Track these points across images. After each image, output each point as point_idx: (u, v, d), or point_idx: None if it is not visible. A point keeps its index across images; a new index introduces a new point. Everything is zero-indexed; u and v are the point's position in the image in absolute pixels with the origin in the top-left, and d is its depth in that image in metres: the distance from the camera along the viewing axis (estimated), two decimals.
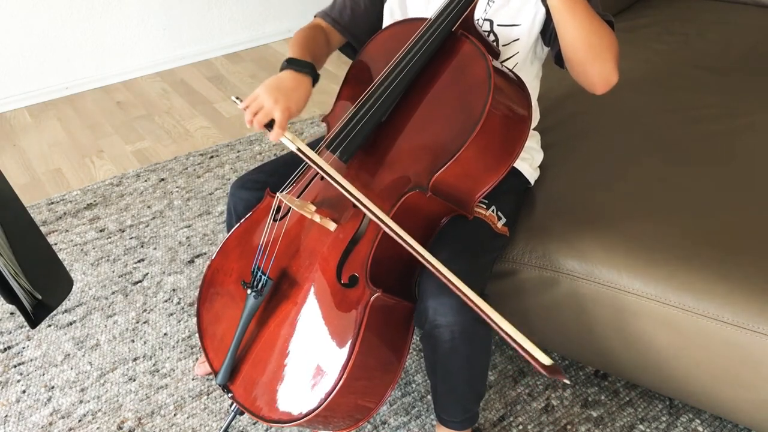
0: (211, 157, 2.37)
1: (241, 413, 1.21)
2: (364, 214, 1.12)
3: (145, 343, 1.66)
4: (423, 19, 1.19)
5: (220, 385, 1.18)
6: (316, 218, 1.14)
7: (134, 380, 1.57)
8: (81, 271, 1.88)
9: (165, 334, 1.68)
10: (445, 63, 1.16)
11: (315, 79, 1.21)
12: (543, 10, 1.21)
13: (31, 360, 1.63)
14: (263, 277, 1.15)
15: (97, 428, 1.46)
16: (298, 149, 1.11)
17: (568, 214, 1.35)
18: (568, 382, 0.90)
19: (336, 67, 2.04)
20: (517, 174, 1.33)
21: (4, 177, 0.99)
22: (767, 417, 1.22)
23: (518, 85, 1.16)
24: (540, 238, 1.32)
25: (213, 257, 1.28)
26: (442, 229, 1.17)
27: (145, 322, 1.72)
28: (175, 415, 1.48)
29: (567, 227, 1.32)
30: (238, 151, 2.39)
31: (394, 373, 1.18)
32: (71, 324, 1.72)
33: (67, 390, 1.55)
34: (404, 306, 1.15)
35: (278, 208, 1.21)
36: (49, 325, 1.71)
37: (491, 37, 1.24)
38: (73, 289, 1.78)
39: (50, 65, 2.75)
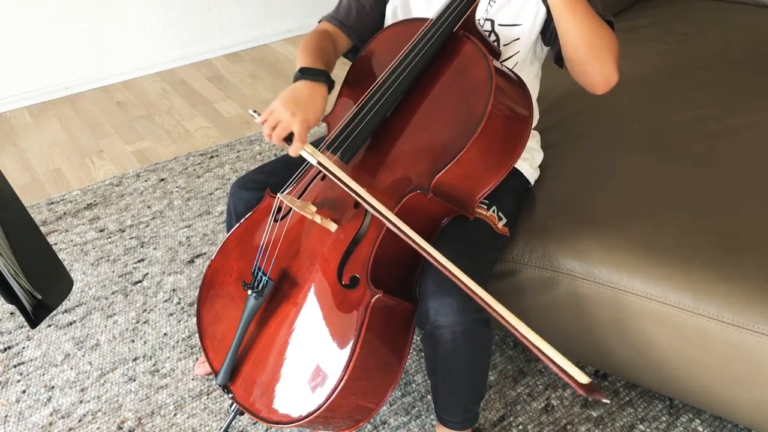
0: (211, 157, 2.37)
1: (241, 413, 1.21)
2: (365, 215, 1.12)
3: (145, 343, 1.66)
4: (424, 20, 1.19)
5: (220, 386, 1.18)
6: (317, 219, 1.14)
7: (134, 380, 1.56)
8: (81, 271, 1.88)
9: (165, 334, 1.68)
10: (447, 63, 1.16)
11: (330, 85, 1.19)
12: (544, 9, 1.21)
13: (31, 360, 1.63)
14: (264, 277, 1.15)
15: (97, 428, 1.46)
16: (319, 163, 1.09)
17: (568, 214, 1.35)
18: (606, 401, 0.86)
19: (336, 67, 2.04)
20: (517, 174, 1.33)
21: (4, 177, 0.99)
22: (767, 417, 1.22)
23: (519, 85, 1.16)
24: (540, 238, 1.32)
25: (213, 257, 1.28)
26: (442, 230, 1.17)
27: (145, 322, 1.72)
28: (175, 415, 1.48)
29: (567, 227, 1.32)
30: (238, 151, 2.39)
31: (395, 373, 1.18)
32: (71, 324, 1.72)
33: (67, 390, 1.55)
34: (405, 307, 1.15)
35: (279, 209, 1.21)
36: (49, 325, 1.71)
37: (492, 37, 1.24)
38: (73, 289, 1.78)
39: (50, 65, 2.75)
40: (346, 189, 1.06)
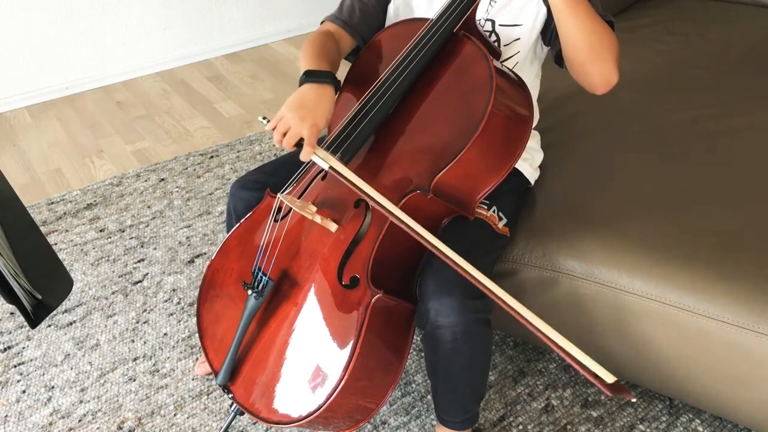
0: (211, 157, 2.37)
1: (241, 413, 1.21)
2: (365, 215, 1.12)
3: (145, 343, 1.66)
4: (425, 20, 1.19)
5: (220, 386, 1.18)
6: (317, 219, 1.14)
7: (134, 380, 1.56)
8: (81, 271, 1.88)
9: (165, 334, 1.68)
10: (447, 64, 1.16)
11: (336, 86, 1.18)
12: (544, 9, 1.21)
13: (31, 360, 1.63)
14: (264, 277, 1.15)
15: (97, 428, 1.46)
16: (331, 168, 1.08)
17: (568, 214, 1.35)
18: (634, 399, 0.87)
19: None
20: (517, 174, 1.33)
21: (4, 177, 0.99)
22: (767, 417, 1.22)
23: (519, 85, 1.16)
24: (540, 238, 1.32)
25: (213, 257, 1.28)
26: (442, 231, 1.17)
27: (145, 322, 1.72)
28: (175, 415, 1.48)
29: (567, 227, 1.32)
30: (238, 151, 2.39)
31: (395, 373, 1.18)
32: (71, 324, 1.72)
33: (67, 390, 1.55)
34: (405, 307, 1.15)
35: (279, 209, 1.21)
36: (49, 325, 1.71)
37: (493, 37, 1.24)
38: (73, 289, 1.78)
39: (50, 65, 2.75)
40: (359, 192, 1.05)
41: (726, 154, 1.48)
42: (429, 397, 1.48)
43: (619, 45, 1.14)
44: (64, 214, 2.11)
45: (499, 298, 0.94)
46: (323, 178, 1.21)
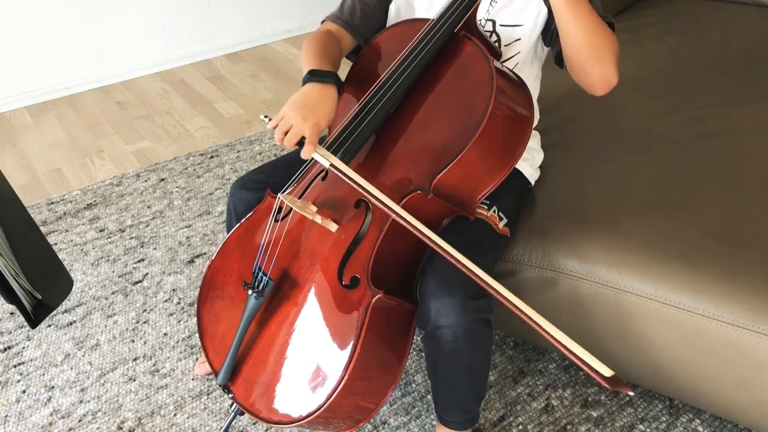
0: (211, 157, 2.37)
1: (242, 413, 1.21)
2: (366, 215, 1.12)
3: (145, 343, 1.66)
4: (425, 20, 1.19)
5: (220, 386, 1.18)
6: (318, 219, 1.14)
7: (134, 380, 1.56)
8: (81, 271, 1.88)
9: (165, 334, 1.68)
10: (448, 64, 1.16)
11: (339, 86, 1.19)
12: (545, 10, 1.21)
13: (31, 360, 1.63)
14: (264, 277, 1.15)
15: (97, 428, 1.46)
16: (332, 165, 1.08)
17: (568, 214, 1.35)
18: (631, 393, 0.87)
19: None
20: (517, 174, 1.33)
21: (4, 177, 0.99)
22: (767, 417, 1.22)
23: (520, 86, 1.16)
24: (540, 238, 1.32)
25: (213, 257, 1.28)
26: (443, 231, 1.17)
27: (145, 322, 1.72)
28: (175, 415, 1.48)
29: (567, 227, 1.32)
30: (238, 151, 2.39)
31: (395, 374, 1.18)
32: (71, 324, 1.72)
33: (67, 390, 1.55)
34: (405, 307, 1.15)
35: (279, 209, 1.21)
36: (49, 325, 1.71)
37: (493, 38, 1.24)
38: (73, 289, 1.78)
39: (50, 65, 2.75)
40: (361, 190, 1.05)
41: (726, 154, 1.48)
42: (429, 397, 1.48)
43: (619, 46, 1.14)
44: (64, 214, 2.11)
45: (501, 295, 0.94)
46: (324, 179, 1.21)
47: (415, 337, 1.30)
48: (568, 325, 1.34)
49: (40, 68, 2.74)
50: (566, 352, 0.88)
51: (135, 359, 1.62)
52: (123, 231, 2.03)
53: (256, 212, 1.26)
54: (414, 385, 1.52)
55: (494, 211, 1.24)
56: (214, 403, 1.50)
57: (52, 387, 1.56)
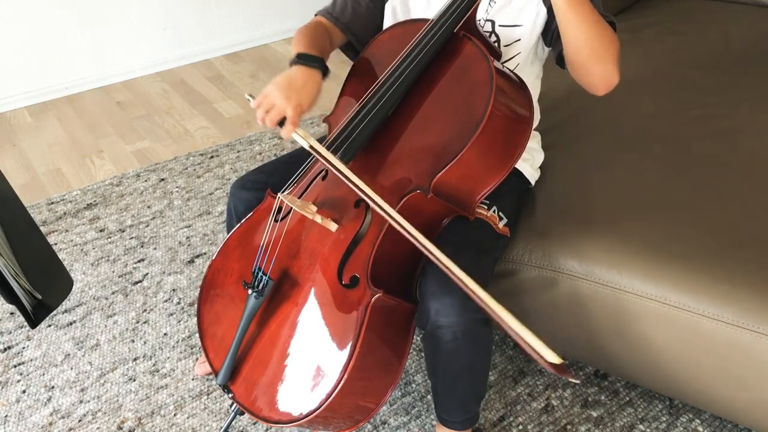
0: (211, 157, 2.37)
1: (242, 413, 1.21)
2: (365, 215, 1.12)
3: (145, 343, 1.66)
4: (425, 20, 1.19)
5: (220, 385, 1.18)
6: (318, 219, 1.14)
7: (134, 380, 1.56)
8: (81, 271, 1.88)
9: (165, 334, 1.68)
10: (447, 64, 1.16)
11: (325, 72, 1.20)
12: (544, 10, 1.21)
13: (31, 360, 1.63)
14: (264, 277, 1.15)
15: (97, 428, 1.46)
16: (311, 146, 1.11)
17: (568, 214, 1.35)
18: (577, 381, 0.89)
19: (337, 68, 2.04)
20: (518, 174, 1.33)
21: (4, 177, 0.99)
22: (767, 417, 1.22)
23: (520, 86, 1.16)
24: (540, 238, 1.32)
25: (214, 257, 1.28)
26: (443, 231, 1.17)
27: (145, 322, 1.72)
28: (175, 415, 1.48)
29: (567, 227, 1.32)
30: (238, 151, 2.39)
31: (395, 374, 1.18)
32: (71, 324, 1.72)
33: (67, 390, 1.55)
34: (405, 307, 1.15)
35: (279, 209, 1.21)
36: (49, 325, 1.71)
37: (493, 38, 1.24)
38: (73, 289, 1.78)
39: (50, 65, 2.75)
40: (341, 176, 1.07)
41: (726, 153, 1.48)
42: (429, 397, 1.48)
43: (620, 45, 1.14)
44: (64, 214, 2.11)
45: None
46: (324, 178, 1.21)
47: (415, 337, 1.30)
48: (568, 325, 1.35)
49: (40, 68, 2.73)
50: (514, 335, 0.90)
51: (135, 359, 1.62)
52: (123, 231, 2.03)
53: (256, 212, 1.26)
54: (414, 385, 1.52)
55: (494, 211, 1.24)
56: (214, 403, 1.50)
57: (52, 387, 1.56)
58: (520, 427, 1.43)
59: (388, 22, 1.32)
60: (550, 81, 1.40)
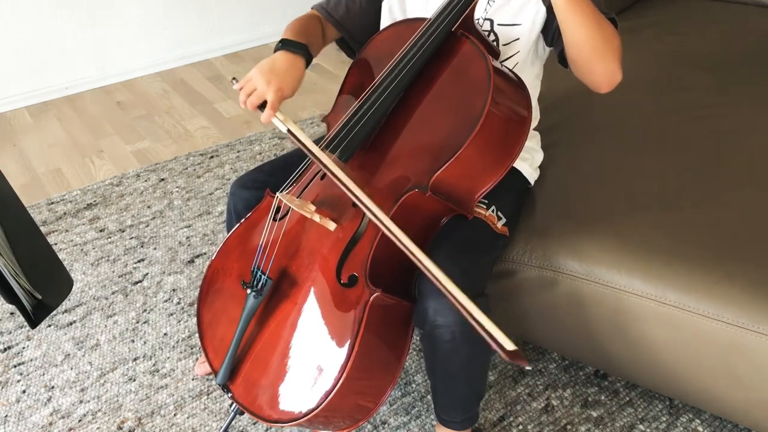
0: (211, 157, 2.37)
1: (241, 413, 1.21)
2: (364, 214, 1.12)
3: (145, 343, 1.66)
4: (423, 19, 1.19)
5: (219, 385, 1.18)
6: (316, 218, 1.14)
7: (134, 380, 1.57)
8: (81, 271, 1.88)
9: (165, 334, 1.68)
10: (445, 63, 1.16)
11: (308, 60, 1.22)
12: (543, 9, 1.21)
13: (31, 360, 1.63)
14: (263, 276, 1.15)
15: (97, 428, 1.46)
16: (288, 130, 1.13)
17: (568, 214, 1.35)
18: (529, 368, 0.91)
19: (335, 67, 2.05)
20: (517, 174, 1.33)
21: (4, 177, 0.99)
22: (767, 417, 1.22)
23: (518, 85, 1.16)
24: (540, 238, 1.32)
25: (213, 257, 1.28)
26: (441, 229, 1.17)
27: (145, 322, 1.72)
28: (175, 415, 1.48)
29: (567, 227, 1.32)
30: (238, 151, 2.39)
31: (394, 372, 1.18)
32: (71, 324, 1.72)
33: (67, 390, 1.55)
34: (404, 306, 1.15)
35: (278, 208, 1.21)
36: (49, 325, 1.71)
37: (491, 37, 1.24)
38: (73, 289, 1.78)
39: (50, 65, 2.75)
40: (324, 168, 1.08)
41: (726, 153, 1.48)
42: (429, 397, 1.48)
43: (621, 43, 1.14)
44: (64, 214, 2.11)
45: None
46: (322, 178, 1.21)
47: (415, 336, 1.30)
48: (568, 325, 1.35)
49: (40, 68, 2.74)
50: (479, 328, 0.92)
51: (135, 359, 1.62)
52: (123, 231, 2.03)
53: (255, 212, 1.26)
54: (414, 385, 1.52)
55: (493, 211, 1.24)
56: (214, 403, 1.50)
57: (52, 387, 1.56)
58: (520, 427, 1.43)
59: (385, 22, 1.32)
60: (550, 81, 1.40)
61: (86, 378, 1.58)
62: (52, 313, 1.62)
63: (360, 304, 1.07)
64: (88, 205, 2.14)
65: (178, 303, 1.77)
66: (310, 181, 1.22)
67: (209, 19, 3.06)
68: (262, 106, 1.15)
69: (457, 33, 1.16)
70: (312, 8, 1.37)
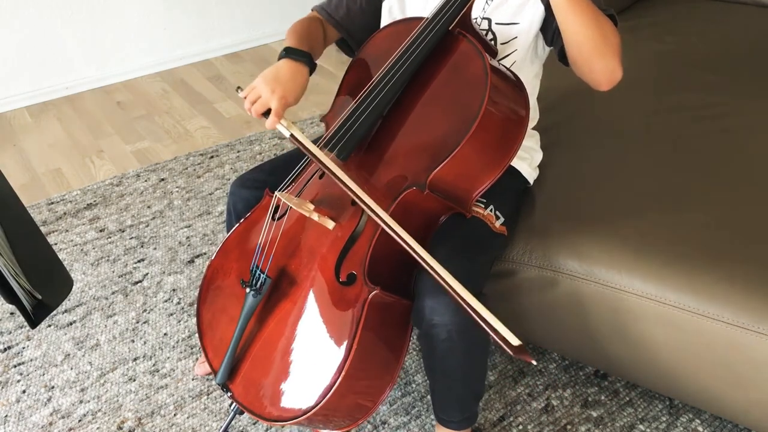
0: (211, 157, 2.37)
1: (241, 413, 1.21)
2: (363, 212, 1.13)
3: (145, 343, 1.66)
4: (421, 18, 1.20)
5: (219, 384, 1.18)
6: (315, 217, 1.14)
7: (134, 380, 1.57)
8: (81, 271, 1.88)
9: (165, 334, 1.68)
10: (443, 61, 1.16)
11: (312, 68, 1.23)
12: (542, 8, 1.21)
13: (31, 360, 1.63)
14: (262, 275, 1.16)
15: (97, 428, 1.46)
16: (292, 135, 1.13)
17: (567, 213, 1.35)
18: (534, 362, 0.92)
19: (335, 67, 2.05)
20: (515, 173, 1.33)
21: (4, 177, 0.99)
22: (767, 417, 1.22)
23: (516, 84, 1.16)
24: (540, 238, 1.32)
25: (213, 257, 1.28)
26: (439, 228, 1.17)
27: (145, 322, 1.72)
28: (175, 415, 1.48)
29: (567, 227, 1.32)
30: (238, 151, 2.39)
31: (393, 371, 1.18)
32: (71, 324, 1.72)
33: (67, 390, 1.55)
34: (402, 304, 1.15)
35: (277, 207, 1.21)
36: (49, 325, 1.71)
37: (489, 36, 1.24)
38: (73, 289, 1.78)
39: (50, 65, 2.75)
40: (326, 170, 1.09)
41: (726, 153, 1.48)
42: (429, 397, 1.48)
43: (620, 41, 1.14)
44: (64, 214, 2.11)
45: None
46: (321, 177, 1.21)
47: (415, 336, 1.30)
48: (568, 325, 1.35)
49: (40, 68, 2.74)
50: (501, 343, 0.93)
51: (135, 359, 1.62)
52: (123, 231, 2.03)
53: (254, 211, 1.27)
54: (414, 385, 1.52)
55: (491, 210, 1.24)
56: (214, 403, 1.50)
57: (52, 387, 1.56)
58: (520, 427, 1.43)
59: (385, 22, 1.33)
60: (549, 80, 1.40)
61: (86, 378, 1.58)
62: (52, 313, 1.62)
63: (359, 303, 1.07)
64: (88, 205, 2.14)
65: (178, 303, 1.77)
66: (309, 180, 1.22)
67: (209, 19, 3.06)
68: (267, 113, 1.16)
69: (454, 32, 1.17)
70: (312, 10, 1.38)
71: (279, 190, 1.21)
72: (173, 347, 1.64)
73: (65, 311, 1.75)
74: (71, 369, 1.60)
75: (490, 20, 1.24)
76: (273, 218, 1.21)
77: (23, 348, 1.66)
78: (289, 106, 1.18)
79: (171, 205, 2.13)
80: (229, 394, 1.17)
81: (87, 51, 2.81)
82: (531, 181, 1.38)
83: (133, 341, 1.67)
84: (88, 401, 1.52)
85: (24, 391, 1.55)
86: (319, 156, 1.10)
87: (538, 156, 1.41)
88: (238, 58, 3.10)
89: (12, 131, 2.59)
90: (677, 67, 1.84)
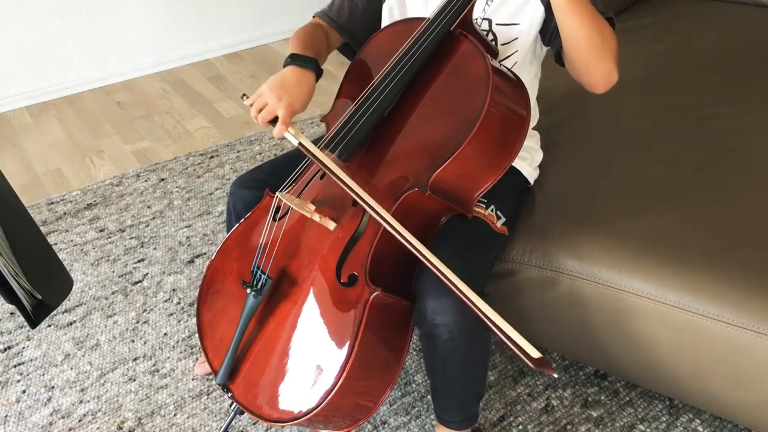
0: (211, 157, 2.37)
1: (241, 413, 1.21)
2: (363, 213, 1.13)
3: (145, 343, 1.66)
4: (422, 19, 1.20)
5: (219, 385, 1.18)
6: (316, 217, 1.14)
7: (134, 380, 1.57)
8: (81, 271, 1.88)
9: (165, 334, 1.68)
10: (444, 62, 1.16)
11: (318, 74, 1.23)
12: (542, 9, 1.21)
13: (31, 360, 1.63)
14: (263, 276, 1.16)
15: (97, 428, 1.46)
16: (300, 144, 1.12)
17: (568, 213, 1.35)
18: (555, 375, 0.93)
19: (335, 67, 2.05)
20: (516, 173, 1.33)
21: (4, 177, 0.98)
22: (767, 417, 1.22)
23: (517, 84, 1.16)
24: (540, 238, 1.32)
25: (213, 257, 1.28)
26: (440, 228, 1.17)
27: (145, 322, 1.72)
28: (175, 415, 1.48)
29: (567, 227, 1.32)
30: (238, 151, 2.39)
31: (394, 372, 1.18)
32: (71, 324, 1.72)
33: (67, 390, 1.55)
34: (403, 305, 1.15)
35: (278, 208, 1.21)
36: (49, 325, 1.71)
37: (490, 36, 1.25)
38: (73, 289, 1.78)
39: (50, 65, 2.75)
40: (332, 175, 1.08)
41: (726, 153, 1.48)
42: (429, 397, 1.48)
43: (617, 43, 1.14)
44: (64, 214, 2.11)
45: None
46: (322, 177, 1.21)
47: (415, 336, 1.30)
48: (568, 325, 1.35)
49: (40, 68, 2.74)
50: (506, 340, 0.95)
51: (135, 359, 1.62)
52: (123, 231, 2.03)
53: (254, 211, 1.26)
54: (414, 385, 1.52)
55: (492, 210, 1.24)
56: (214, 403, 1.50)
57: (52, 387, 1.56)
58: (520, 427, 1.43)
59: (385, 23, 1.32)
60: (549, 80, 1.40)
61: (86, 378, 1.58)
62: (52, 313, 1.62)
63: (360, 304, 1.07)
64: (88, 205, 2.14)
65: (178, 303, 1.77)
66: (310, 180, 1.22)
67: (209, 19, 3.06)
68: (274, 120, 1.15)
69: (455, 32, 1.17)
70: (314, 16, 1.38)
71: (280, 191, 1.21)
72: (173, 347, 1.64)
73: (65, 311, 1.75)
74: (71, 369, 1.60)
75: (490, 21, 1.24)
76: (274, 219, 1.21)
77: (23, 348, 1.66)
78: (296, 113, 1.17)
79: (171, 205, 2.13)
80: (229, 394, 1.18)
81: (87, 51, 2.81)
82: (531, 181, 1.38)
83: (133, 341, 1.67)
84: (88, 401, 1.52)
85: (24, 391, 1.55)
86: (327, 163, 1.09)
87: (539, 156, 1.41)
88: (238, 58, 3.10)
89: (12, 131, 2.58)
90: (677, 67, 1.84)
